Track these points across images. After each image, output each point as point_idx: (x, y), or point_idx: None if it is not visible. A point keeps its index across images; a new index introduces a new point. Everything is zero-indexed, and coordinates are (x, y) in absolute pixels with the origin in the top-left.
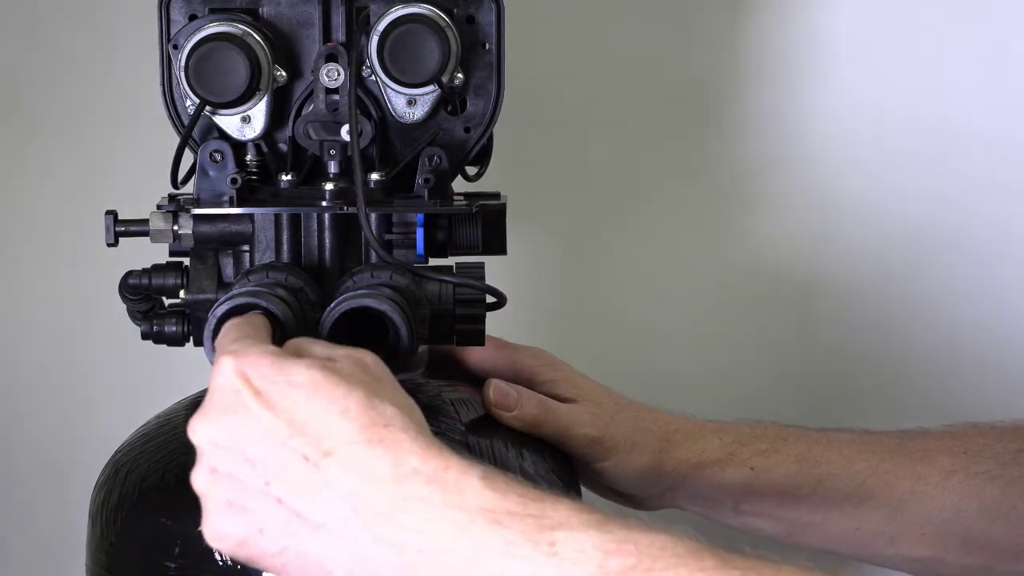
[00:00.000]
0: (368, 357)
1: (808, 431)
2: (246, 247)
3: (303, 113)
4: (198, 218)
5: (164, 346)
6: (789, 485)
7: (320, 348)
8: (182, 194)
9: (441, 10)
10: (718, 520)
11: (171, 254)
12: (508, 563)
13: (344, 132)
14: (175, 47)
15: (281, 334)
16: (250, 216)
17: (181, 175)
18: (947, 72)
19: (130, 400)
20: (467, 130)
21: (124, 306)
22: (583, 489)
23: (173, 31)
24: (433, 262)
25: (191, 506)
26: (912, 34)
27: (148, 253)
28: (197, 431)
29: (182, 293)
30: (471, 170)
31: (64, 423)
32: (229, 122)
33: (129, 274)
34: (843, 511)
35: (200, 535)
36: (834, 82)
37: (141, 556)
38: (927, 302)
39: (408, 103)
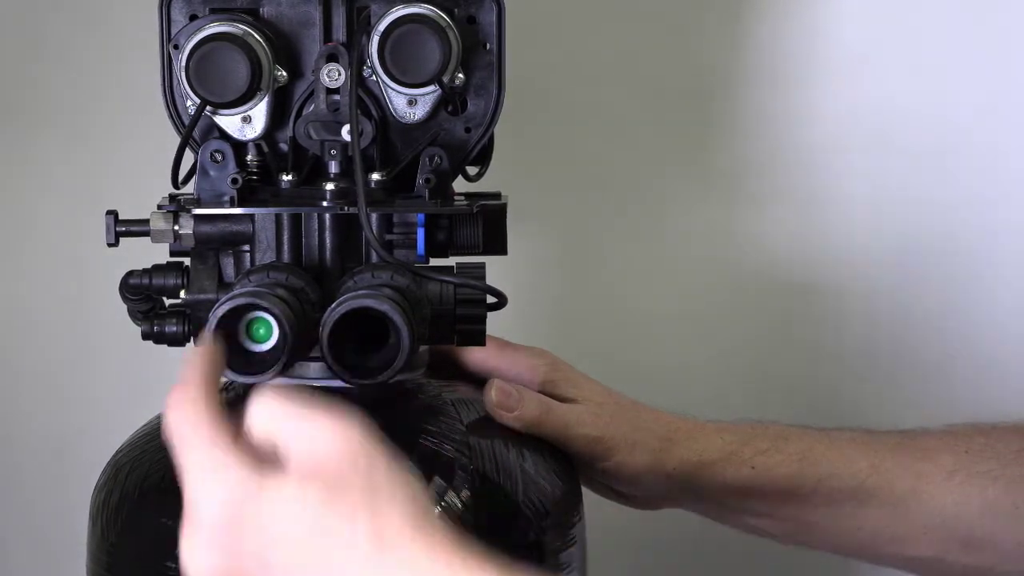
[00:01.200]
0: (352, 439)
1: (809, 430)
2: (247, 247)
3: (304, 113)
4: (199, 218)
5: (165, 346)
6: (790, 484)
7: (294, 440)
8: (183, 194)
9: (442, 10)
10: (719, 520)
11: (172, 254)
12: None
13: (345, 132)
14: (176, 47)
15: (280, 335)
16: (251, 216)
17: (182, 175)
18: (947, 72)
19: (130, 400)
20: (468, 130)
21: (125, 306)
22: (584, 490)
23: (174, 31)
24: (434, 262)
25: None
26: (912, 34)
27: (149, 253)
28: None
29: (183, 293)
30: (472, 170)
31: (64, 423)
32: (230, 122)
33: (130, 274)
34: (844, 510)
35: None
36: (834, 82)
37: (142, 556)
38: (927, 302)
39: (409, 103)
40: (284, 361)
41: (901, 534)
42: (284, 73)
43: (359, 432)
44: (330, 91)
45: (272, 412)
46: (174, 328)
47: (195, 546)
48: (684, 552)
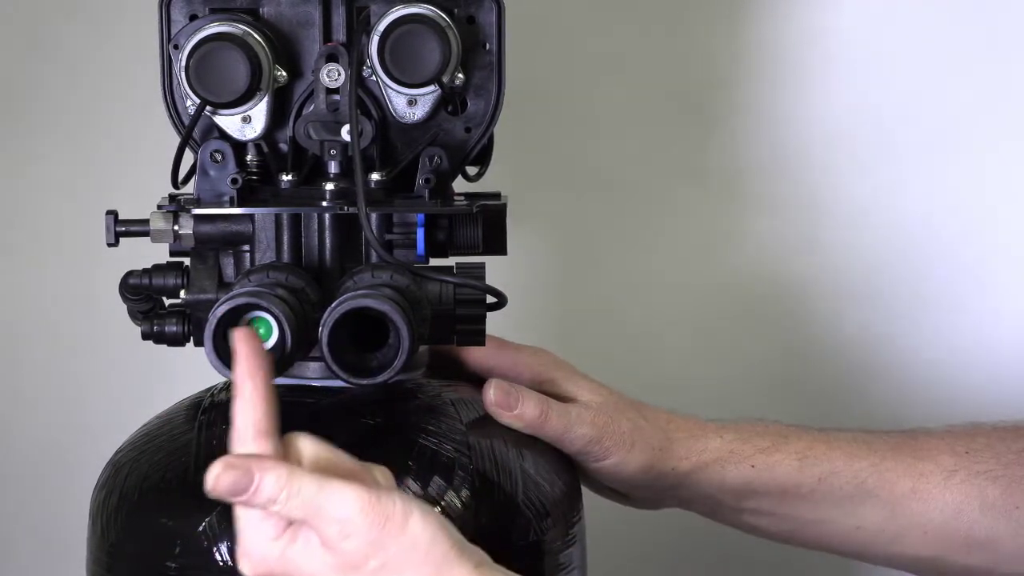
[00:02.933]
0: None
1: (809, 430)
2: (247, 247)
3: (304, 113)
4: (199, 218)
5: (164, 346)
6: (790, 483)
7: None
8: (183, 194)
9: (442, 10)
10: (718, 520)
11: (172, 254)
12: None
13: (345, 132)
14: (176, 47)
15: (280, 335)
16: (250, 216)
17: (182, 175)
18: (947, 73)
19: (130, 400)
20: (468, 130)
21: (125, 306)
22: (584, 490)
23: (174, 31)
24: (434, 262)
25: (191, 506)
26: (912, 35)
27: (149, 253)
28: None
29: (183, 293)
30: (472, 170)
31: (64, 423)
32: (230, 122)
33: (130, 274)
34: (844, 509)
35: (200, 535)
36: (834, 83)
37: (142, 556)
38: (928, 302)
39: (409, 103)
40: (284, 361)
41: (901, 534)
42: (284, 73)
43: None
44: (330, 91)
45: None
46: (174, 328)
47: None
48: (684, 552)
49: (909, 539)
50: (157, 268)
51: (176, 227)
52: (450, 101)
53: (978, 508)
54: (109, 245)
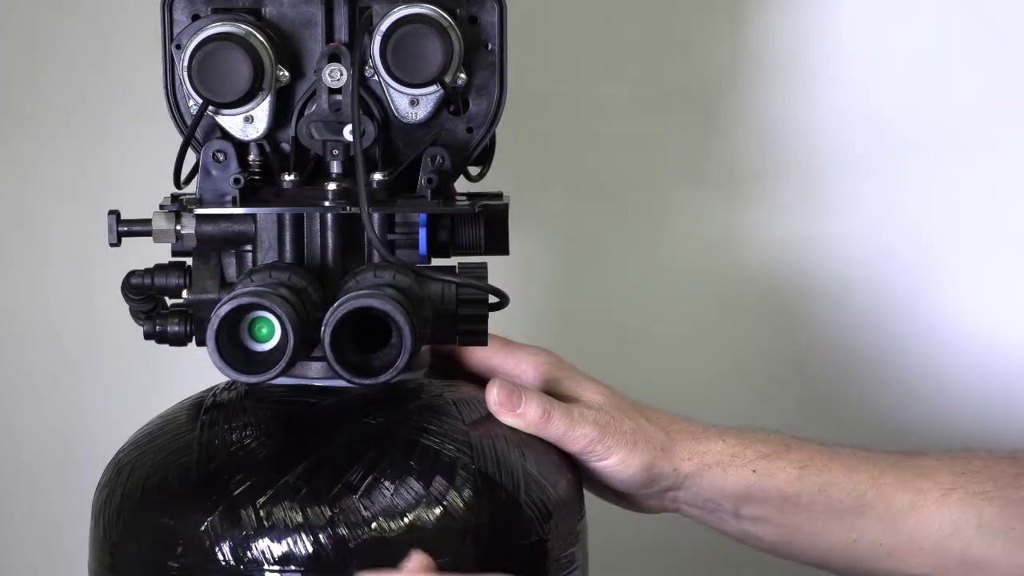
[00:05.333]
0: None
1: (811, 441)
2: (249, 247)
3: (306, 113)
4: (201, 218)
5: (167, 346)
6: (790, 491)
7: None
8: (185, 194)
9: (444, 10)
10: (717, 527)
11: (174, 254)
12: None
13: (347, 132)
14: (178, 47)
15: (283, 335)
16: (253, 216)
17: (184, 175)
18: (947, 72)
19: (132, 400)
20: (469, 130)
21: (127, 306)
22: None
23: (176, 31)
24: (436, 262)
25: (193, 506)
26: (912, 34)
27: (151, 253)
28: None
29: (185, 293)
30: (473, 170)
31: (65, 423)
32: (232, 122)
33: (132, 274)
34: (843, 521)
35: (202, 535)
36: (834, 82)
37: (144, 556)
38: (929, 303)
39: (411, 103)
40: (287, 360)
41: (898, 549)
42: (286, 73)
43: None
44: (332, 91)
45: None
46: (176, 328)
47: None
48: (685, 552)
49: (905, 555)
50: (159, 268)
51: (178, 227)
52: (452, 101)
53: (974, 527)
54: (111, 245)
